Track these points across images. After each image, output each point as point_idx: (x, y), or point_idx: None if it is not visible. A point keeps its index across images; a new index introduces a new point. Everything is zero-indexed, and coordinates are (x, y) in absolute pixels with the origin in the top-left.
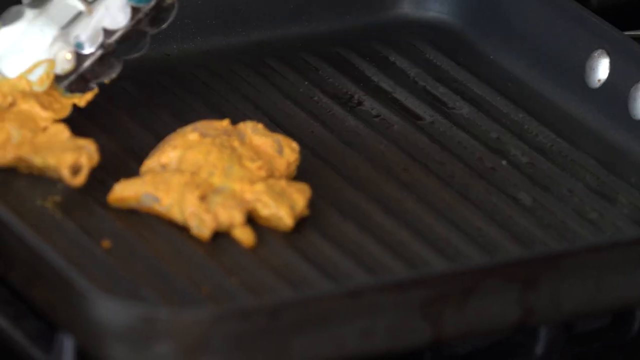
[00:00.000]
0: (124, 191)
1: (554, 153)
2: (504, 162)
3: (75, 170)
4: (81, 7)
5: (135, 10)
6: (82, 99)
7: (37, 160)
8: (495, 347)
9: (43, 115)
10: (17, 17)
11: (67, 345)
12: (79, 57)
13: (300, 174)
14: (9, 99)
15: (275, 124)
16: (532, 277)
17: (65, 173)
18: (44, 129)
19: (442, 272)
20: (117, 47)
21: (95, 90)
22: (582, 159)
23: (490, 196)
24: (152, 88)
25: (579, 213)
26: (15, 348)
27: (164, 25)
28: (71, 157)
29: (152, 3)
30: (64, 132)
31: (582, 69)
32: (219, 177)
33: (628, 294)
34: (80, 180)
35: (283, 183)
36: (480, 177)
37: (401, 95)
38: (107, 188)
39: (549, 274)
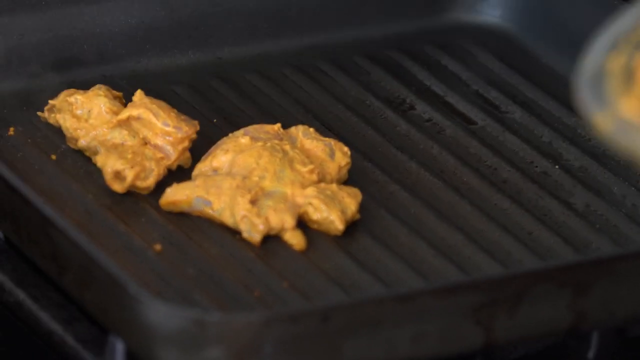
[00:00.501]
0: (176, 195)
1: (606, 158)
2: (556, 167)
3: (119, 177)
4: None
5: None
6: None
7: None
8: (547, 352)
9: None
10: None
11: (118, 349)
12: None
13: (351, 178)
14: None
15: (326, 128)
16: (584, 282)
17: (108, 176)
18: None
19: (493, 277)
20: None
21: None
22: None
23: (542, 201)
24: (204, 92)
25: (631, 218)
26: (67, 352)
27: None
28: (117, 163)
29: None
30: None
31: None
32: (270, 181)
33: None
34: (121, 187)
35: (334, 187)
36: (533, 182)
37: (453, 99)
38: (160, 191)
39: (601, 279)
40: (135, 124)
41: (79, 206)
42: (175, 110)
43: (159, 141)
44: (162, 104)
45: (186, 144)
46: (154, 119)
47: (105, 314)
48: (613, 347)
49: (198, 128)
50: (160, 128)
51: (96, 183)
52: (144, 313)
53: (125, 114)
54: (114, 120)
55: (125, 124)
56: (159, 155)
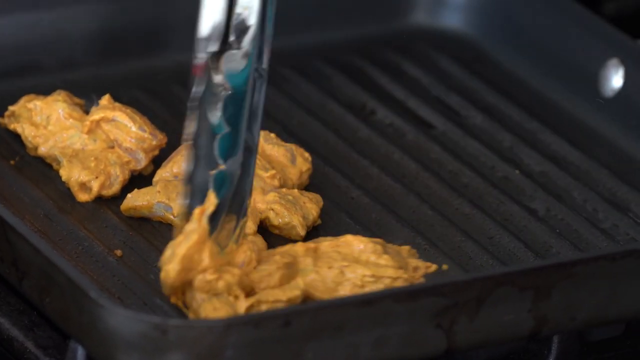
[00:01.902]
0: (137, 200)
1: (567, 162)
2: (517, 172)
3: (84, 188)
4: None
5: None
6: None
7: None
8: (509, 356)
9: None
10: None
11: (80, 355)
12: None
13: (312, 183)
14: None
15: (288, 133)
16: (545, 286)
17: (74, 189)
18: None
19: (454, 281)
20: None
21: None
22: (595, 168)
23: (503, 205)
24: (164, 97)
25: (592, 222)
26: (28, 358)
27: None
28: (82, 174)
29: None
30: None
31: (596, 78)
32: None
33: None
34: (87, 198)
35: (296, 192)
36: (493, 187)
37: (414, 104)
38: (121, 197)
39: (562, 283)
40: (106, 127)
41: (39, 212)
42: (146, 118)
43: (131, 145)
44: (134, 109)
45: (157, 152)
46: (130, 123)
47: (66, 319)
48: (574, 351)
49: (166, 139)
50: (135, 133)
51: (56, 189)
52: (105, 318)
53: (99, 114)
54: (87, 123)
55: (90, 126)
56: (125, 159)
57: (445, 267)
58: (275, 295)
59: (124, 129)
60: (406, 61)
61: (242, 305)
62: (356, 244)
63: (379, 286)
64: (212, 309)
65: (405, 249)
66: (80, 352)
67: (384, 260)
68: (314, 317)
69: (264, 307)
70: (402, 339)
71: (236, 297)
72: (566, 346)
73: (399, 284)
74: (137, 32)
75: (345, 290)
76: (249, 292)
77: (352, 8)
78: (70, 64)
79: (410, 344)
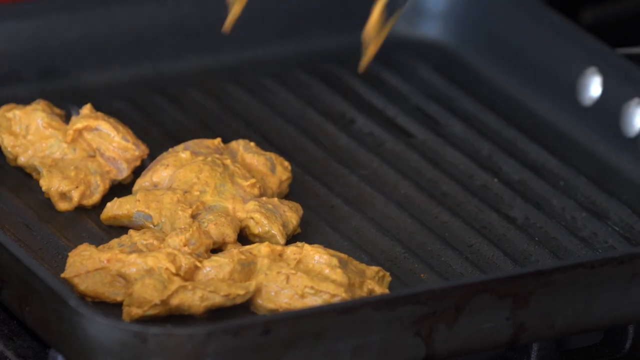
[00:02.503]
0: (117, 209)
1: (545, 170)
2: (495, 180)
3: (65, 197)
4: None
5: None
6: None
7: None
8: None
9: None
10: None
11: None
12: None
13: (292, 192)
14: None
15: (267, 142)
16: (523, 294)
17: (54, 199)
18: None
19: (433, 289)
20: None
21: None
22: (573, 176)
23: (482, 213)
24: (144, 107)
25: (570, 230)
26: None
27: None
28: (62, 184)
29: None
30: None
31: (574, 87)
32: (211, 195)
33: (620, 310)
34: (67, 207)
35: (276, 201)
36: (472, 195)
37: (393, 113)
38: (101, 205)
39: (540, 291)
40: (88, 136)
41: (18, 221)
42: (129, 128)
43: (114, 155)
44: (116, 119)
45: (138, 162)
46: (113, 132)
47: (45, 328)
48: (553, 359)
49: (148, 151)
50: (118, 142)
51: (36, 197)
52: (85, 327)
53: (82, 123)
54: (70, 132)
55: (73, 135)
56: (105, 168)
57: (422, 275)
58: (215, 286)
59: (106, 139)
60: (385, 70)
61: (171, 287)
62: (314, 254)
63: (316, 299)
64: (141, 285)
65: (373, 269)
66: None
67: (336, 274)
68: (293, 325)
69: (198, 294)
70: (381, 347)
71: (169, 277)
72: (545, 354)
73: (338, 301)
74: (117, 41)
75: (285, 298)
76: (190, 278)
77: (331, 17)
78: (51, 74)
79: (389, 352)
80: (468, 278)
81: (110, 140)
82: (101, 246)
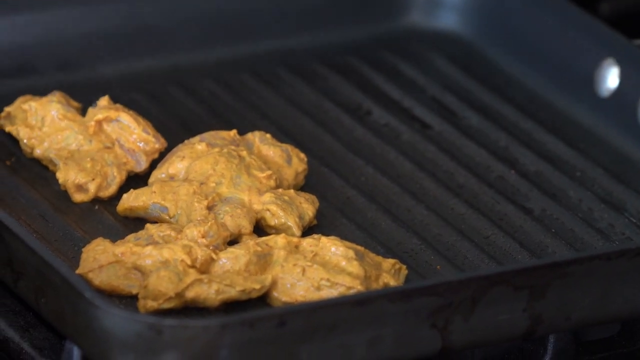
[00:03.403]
0: (133, 201)
1: (562, 162)
2: (512, 171)
3: (81, 189)
4: None
5: None
6: None
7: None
8: (505, 356)
9: None
10: None
11: (75, 355)
12: None
13: (308, 184)
14: None
15: (283, 134)
16: (540, 286)
17: (71, 190)
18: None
19: (449, 281)
20: None
21: None
22: (590, 168)
23: (498, 205)
24: (160, 99)
25: (587, 222)
26: (24, 359)
27: None
28: (79, 176)
29: None
30: None
31: (591, 78)
32: (227, 187)
33: (636, 302)
34: (84, 198)
35: (292, 192)
36: (489, 186)
37: (410, 104)
38: (117, 197)
39: (557, 283)
40: (107, 127)
41: (34, 212)
42: (148, 121)
43: (134, 147)
44: (135, 112)
45: (156, 155)
46: (134, 124)
47: (61, 320)
48: (570, 351)
49: (166, 144)
50: (139, 134)
51: (52, 189)
52: (100, 319)
53: (103, 114)
54: (92, 123)
55: (96, 127)
56: (122, 160)
57: (439, 267)
58: (231, 279)
59: (127, 130)
60: (402, 61)
61: (186, 280)
62: (331, 246)
63: (332, 292)
64: (156, 278)
65: (389, 262)
66: (76, 353)
67: (352, 267)
68: (308, 317)
69: (214, 287)
70: (397, 339)
71: (184, 269)
72: (562, 346)
73: (354, 293)
74: (133, 33)
75: (300, 290)
76: (205, 270)
77: (347, 9)
78: (67, 65)
79: (405, 344)
80: (484, 270)
81: (130, 132)
82: (118, 241)
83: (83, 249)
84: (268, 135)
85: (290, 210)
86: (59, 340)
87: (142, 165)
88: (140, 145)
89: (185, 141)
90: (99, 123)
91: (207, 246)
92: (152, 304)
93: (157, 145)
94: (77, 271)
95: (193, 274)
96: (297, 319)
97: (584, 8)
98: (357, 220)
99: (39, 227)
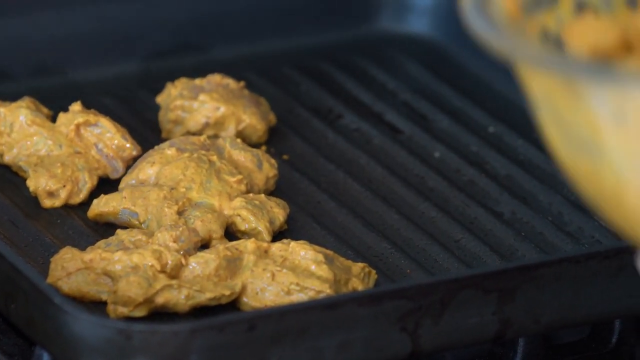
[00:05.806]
0: (103, 207)
1: (532, 165)
2: (482, 175)
3: (52, 196)
4: None
5: None
6: None
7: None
8: (474, 359)
9: None
10: None
11: None
12: None
13: (278, 188)
14: None
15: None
16: (509, 289)
17: (41, 197)
18: None
19: (418, 284)
20: None
21: None
22: (560, 171)
23: (468, 209)
24: (131, 103)
25: (557, 225)
26: None
27: None
28: (49, 183)
29: None
30: None
31: None
32: (197, 192)
33: (606, 305)
34: (53, 204)
35: (262, 197)
36: (459, 190)
37: (381, 108)
38: (87, 202)
39: (526, 286)
40: (85, 132)
41: (4, 217)
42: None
43: (112, 152)
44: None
45: (132, 162)
46: (113, 130)
47: (31, 326)
48: (539, 354)
49: (141, 151)
50: (118, 141)
51: (22, 195)
52: (70, 324)
53: (84, 117)
54: (72, 127)
55: (76, 130)
56: (94, 165)
57: (409, 271)
58: (201, 285)
59: (106, 136)
60: (373, 66)
61: (156, 286)
62: (300, 250)
63: (302, 296)
64: (126, 283)
65: (359, 266)
66: (46, 359)
67: (322, 271)
68: (278, 321)
69: (183, 292)
70: (367, 343)
71: (154, 275)
72: (531, 349)
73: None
74: (104, 38)
75: (270, 296)
76: (176, 274)
77: (319, 13)
78: (38, 71)
79: (375, 348)
80: (453, 273)
81: (110, 138)
82: (88, 248)
83: (51, 259)
84: (239, 140)
85: (261, 215)
86: (29, 346)
87: (120, 171)
88: (118, 151)
89: (155, 147)
90: (77, 127)
91: (177, 251)
92: (122, 310)
93: (134, 152)
94: (47, 281)
95: (163, 280)
96: (266, 323)
97: None
98: (327, 225)
99: (8, 233)
